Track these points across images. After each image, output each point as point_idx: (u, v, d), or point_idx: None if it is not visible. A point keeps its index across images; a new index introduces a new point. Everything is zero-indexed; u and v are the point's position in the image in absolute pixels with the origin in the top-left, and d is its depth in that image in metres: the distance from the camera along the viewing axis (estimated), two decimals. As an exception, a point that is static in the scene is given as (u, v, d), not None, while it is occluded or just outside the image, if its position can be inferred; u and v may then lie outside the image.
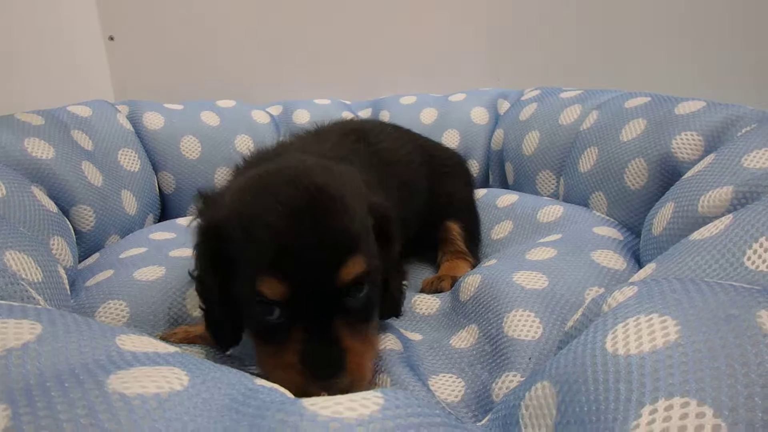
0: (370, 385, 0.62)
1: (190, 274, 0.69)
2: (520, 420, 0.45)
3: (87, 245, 1.02)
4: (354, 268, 0.57)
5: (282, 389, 0.41)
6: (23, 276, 0.66)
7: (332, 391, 0.50)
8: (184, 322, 0.81)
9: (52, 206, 0.92)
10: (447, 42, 1.73)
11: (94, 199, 1.03)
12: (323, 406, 0.35)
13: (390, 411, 0.36)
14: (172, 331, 0.76)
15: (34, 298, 0.60)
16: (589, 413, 0.38)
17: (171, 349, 0.44)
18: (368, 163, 0.85)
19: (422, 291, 0.94)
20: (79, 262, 0.98)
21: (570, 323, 0.59)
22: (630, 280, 0.62)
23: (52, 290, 0.73)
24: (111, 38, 1.70)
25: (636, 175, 0.91)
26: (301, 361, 0.56)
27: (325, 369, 0.56)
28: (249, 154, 0.89)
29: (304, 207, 0.57)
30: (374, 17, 1.71)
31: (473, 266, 0.99)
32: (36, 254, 0.74)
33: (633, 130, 0.95)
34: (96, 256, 1.00)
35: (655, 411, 0.33)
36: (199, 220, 0.67)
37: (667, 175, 0.86)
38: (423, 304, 0.89)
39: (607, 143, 0.99)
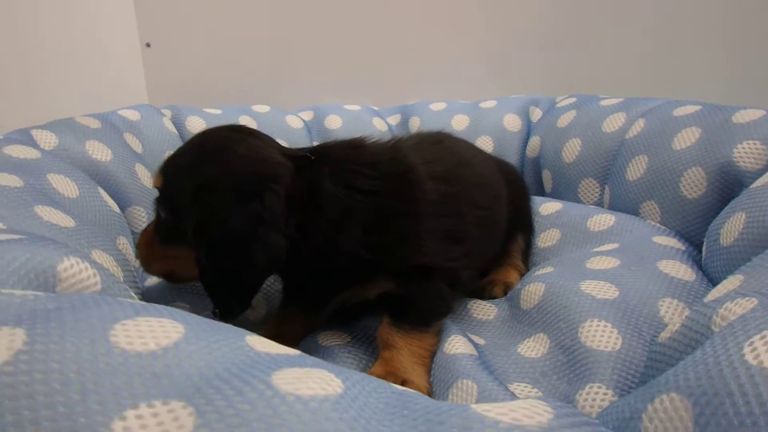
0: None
1: None
2: (643, 432, 0.44)
3: None
4: (157, 179, 0.74)
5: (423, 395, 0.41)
6: (116, 276, 0.67)
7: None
8: (242, 325, 0.80)
9: (115, 207, 0.95)
10: (474, 49, 1.73)
11: (147, 201, 1.06)
12: (500, 412, 0.34)
13: (564, 419, 0.36)
14: None
15: (133, 297, 0.59)
16: (741, 427, 0.37)
17: (294, 351, 0.43)
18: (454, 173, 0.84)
19: (474, 296, 0.93)
20: None
21: (666, 335, 0.59)
22: (722, 291, 0.62)
23: (132, 288, 0.74)
24: (148, 45, 1.73)
25: (693, 184, 0.90)
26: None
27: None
28: None
29: (201, 143, 0.76)
30: (401, 24, 1.72)
31: (521, 274, 0.98)
32: (114, 253, 0.77)
33: (687, 138, 0.95)
34: None
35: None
36: None
37: (728, 184, 0.86)
38: (479, 309, 0.89)
39: (658, 152, 0.99)
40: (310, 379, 0.35)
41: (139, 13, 1.70)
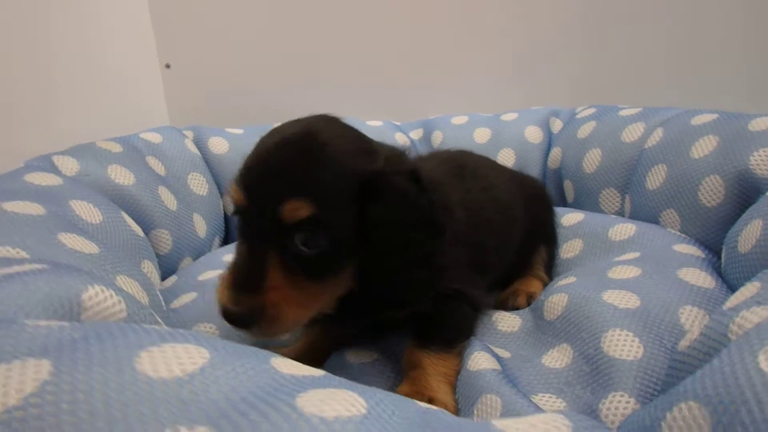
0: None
1: None
2: (663, 440, 0.46)
3: (164, 268, 1.05)
4: (296, 209, 0.59)
5: (448, 412, 0.42)
6: (142, 302, 0.68)
7: (238, 310, 0.58)
8: (271, 343, 0.82)
9: (139, 231, 0.95)
10: (494, 63, 1.75)
11: (170, 223, 1.07)
12: (520, 428, 0.36)
13: None
14: None
15: (159, 322, 0.62)
16: (757, 434, 0.39)
17: (318, 372, 0.44)
18: (468, 190, 0.87)
19: (498, 307, 0.95)
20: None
21: (685, 343, 0.60)
22: (740, 298, 0.63)
23: (157, 313, 0.73)
24: (168, 66, 1.75)
25: (711, 192, 0.92)
26: (231, 272, 0.62)
27: (240, 283, 0.60)
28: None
29: (280, 145, 0.63)
30: (423, 39, 1.75)
31: (545, 284, 1.00)
32: (140, 278, 0.76)
33: (704, 146, 0.96)
34: (173, 278, 1.02)
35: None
36: None
37: (746, 192, 0.87)
38: (504, 321, 0.90)
39: (677, 160, 1.00)
40: (334, 401, 0.36)
41: (158, 33, 1.71)
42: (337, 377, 0.43)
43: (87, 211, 0.84)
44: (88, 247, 0.72)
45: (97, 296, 0.49)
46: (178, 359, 0.37)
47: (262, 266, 0.60)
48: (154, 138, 1.22)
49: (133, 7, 1.64)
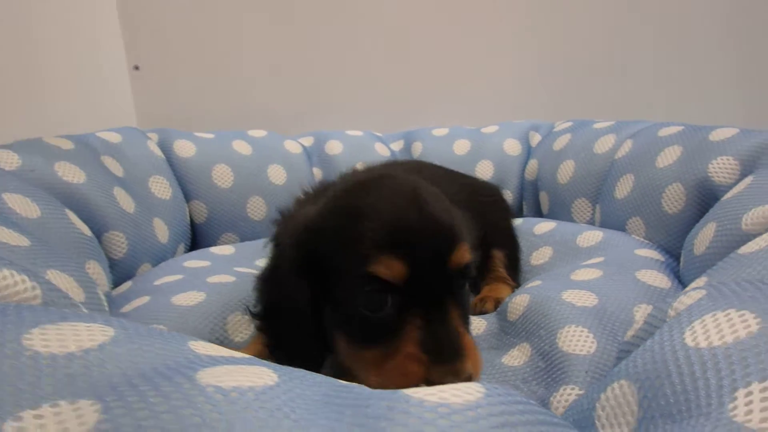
0: None
1: (264, 298, 0.68)
2: (596, 422, 0.47)
3: (119, 273, 1.00)
4: (465, 253, 0.57)
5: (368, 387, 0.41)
6: (69, 294, 0.65)
7: (459, 378, 0.51)
8: (226, 347, 0.81)
9: (86, 230, 0.91)
10: (478, 75, 1.78)
11: (127, 226, 1.02)
12: (428, 393, 0.35)
13: (494, 398, 0.36)
14: None
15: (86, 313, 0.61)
16: (677, 404, 0.39)
17: (245, 355, 0.44)
18: None
19: None
20: (112, 290, 0.97)
21: (631, 332, 0.61)
22: (688, 289, 0.65)
23: (95, 310, 0.72)
24: (136, 68, 1.70)
25: (673, 199, 0.94)
26: (422, 349, 0.53)
27: (449, 353, 0.53)
28: (307, 189, 0.91)
29: (413, 195, 0.59)
30: (405, 49, 1.77)
31: (514, 289, 1.01)
32: (76, 275, 0.73)
33: (669, 156, 0.98)
34: (128, 284, 0.98)
35: (750, 393, 0.35)
36: (281, 236, 0.67)
37: (705, 198, 0.89)
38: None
39: (644, 170, 1.02)
40: (241, 374, 0.35)
41: (126, 34, 1.67)
42: (262, 360, 0.42)
43: (22, 205, 0.80)
44: (18, 239, 0.69)
45: (6, 279, 0.49)
46: (76, 337, 0.37)
47: (449, 328, 0.55)
48: (113, 138, 1.17)
49: (100, 7, 1.61)
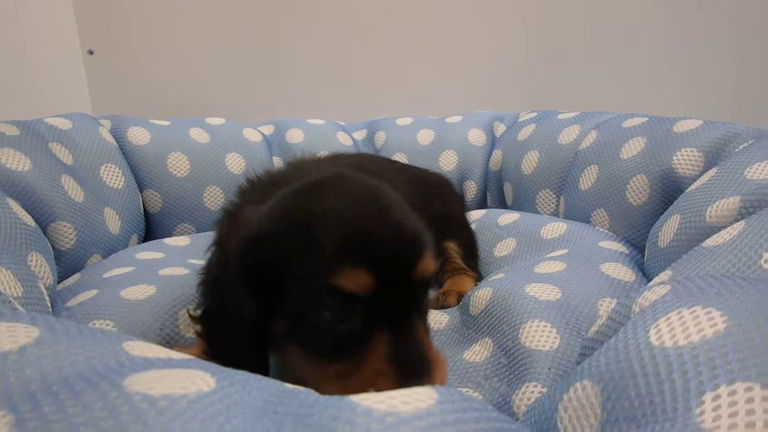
0: None
1: (205, 303, 0.63)
2: (559, 423, 0.44)
3: (66, 265, 0.96)
4: (430, 263, 0.54)
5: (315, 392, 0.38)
6: (1, 289, 0.61)
7: None
8: (177, 343, 0.77)
9: (29, 220, 0.86)
10: (443, 65, 1.76)
11: (75, 216, 0.97)
12: (376, 400, 0.33)
13: (447, 405, 0.34)
14: None
15: (18, 310, 0.56)
16: (641, 407, 0.37)
17: (185, 356, 0.41)
18: None
19: (431, 307, 0.93)
20: (58, 283, 0.92)
21: (594, 328, 0.59)
22: (652, 284, 0.63)
23: (33, 306, 0.68)
24: (90, 52, 1.64)
25: (637, 191, 0.93)
26: (391, 364, 0.50)
27: (418, 369, 0.51)
28: (252, 177, 0.85)
29: (375, 200, 0.55)
30: (370, 37, 1.74)
31: (476, 281, 0.99)
32: (14, 268, 0.69)
33: (633, 148, 0.97)
34: (76, 276, 0.94)
35: (718, 397, 0.33)
36: (225, 239, 0.61)
37: (669, 190, 0.88)
38: (432, 319, 0.88)
39: (608, 161, 1.01)
40: (173, 380, 0.32)
41: (80, 18, 1.61)
42: (201, 361, 0.39)
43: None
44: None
45: None
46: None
47: (416, 341, 0.53)
48: (62, 124, 1.11)
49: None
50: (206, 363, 0.38)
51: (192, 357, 0.40)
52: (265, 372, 0.59)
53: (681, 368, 0.37)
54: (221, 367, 0.37)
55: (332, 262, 0.50)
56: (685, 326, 0.40)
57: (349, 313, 0.52)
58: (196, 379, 0.33)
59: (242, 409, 0.32)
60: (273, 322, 0.56)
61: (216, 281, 0.60)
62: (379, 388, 0.46)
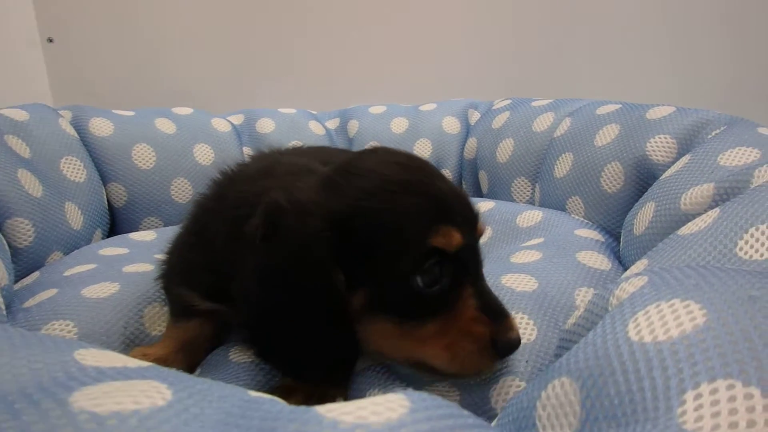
0: None
1: (261, 305, 0.59)
2: (537, 422, 0.43)
3: (25, 263, 0.93)
4: (483, 221, 0.63)
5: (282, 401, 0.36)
6: None
7: (516, 333, 0.58)
8: (143, 342, 0.75)
9: None
10: (417, 52, 1.74)
11: (33, 212, 0.94)
12: (343, 412, 0.31)
13: (420, 413, 0.32)
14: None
15: None
16: (621, 406, 0.36)
17: (142, 363, 0.38)
18: None
19: None
20: (16, 281, 0.90)
21: (572, 320, 0.59)
22: (628, 274, 0.63)
23: None
24: (50, 40, 1.59)
25: (612, 178, 0.92)
26: (483, 312, 0.57)
27: (501, 312, 0.58)
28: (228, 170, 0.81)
29: (432, 170, 0.62)
30: (342, 25, 1.71)
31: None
32: None
33: (607, 135, 0.97)
34: (36, 274, 0.91)
35: (699, 396, 0.32)
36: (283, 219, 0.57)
37: (643, 177, 0.88)
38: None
39: (582, 149, 1.01)
40: (125, 394, 0.31)
41: (39, 5, 1.56)
42: (160, 369, 0.37)
43: None
44: None
45: None
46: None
47: (489, 290, 0.61)
48: (19, 115, 1.07)
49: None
50: (165, 371, 0.37)
51: (150, 365, 0.38)
52: (354, 356, 0.61)
53: (661, 365, 0.36)
54: (181, 376, 0.36)
55: (430, 224, 0.55)
56: (663, 320, 0.39)
57: (442, 272, 0.56)
58: (150, 392, 0.31)
59: (201, 424, 0.30)
60: (354, 296, 0.57)
61: (281, 271, 0.56)
62: (478, 333, 0.56)
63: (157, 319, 0.78)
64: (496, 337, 0.56)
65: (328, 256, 0.55)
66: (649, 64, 1.71)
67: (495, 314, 0.58)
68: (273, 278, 0.57)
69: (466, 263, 0.58)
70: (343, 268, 0.56)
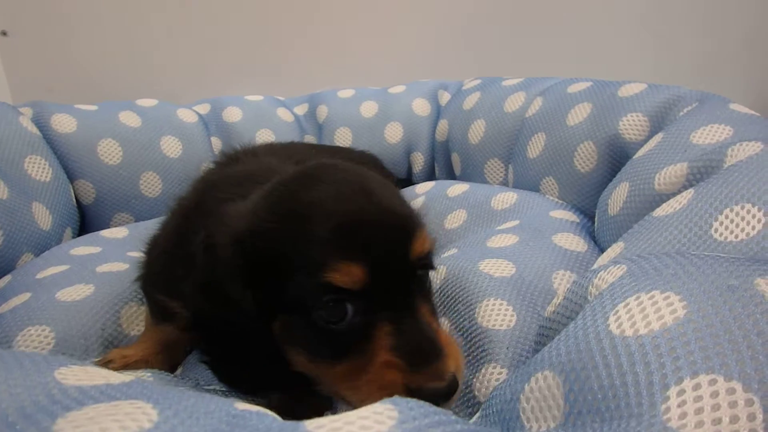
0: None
1: (200, 312, 0.57)
2: (521, 414, 0.43)
3: None
4: (425, 240, 0.53)
5: (272, 413, 0.36)
6: None
7: (444, 383, 0.48)
8: (121, 343, 0.75)
9: None
10: (383, 34, 1.71)
11: (0, 215, 0.93)
12: (333, 428, 0.30)
13: (408, 424, 0.32)
14: (106, 359, 0.68)
15: None
16: (605, 400, 0.36)
17: (125, 378, 0.38)
18: None
19: None
20: None
21: (551, 308, 0.59)
22: (605, 259, 0.63)
23: None
24: (4, 33, 1.53)
25: (585, 158, 0.92)
26: (397, 354, 0.48)
27: (427, 355, 0.49)
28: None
29: (362, 188, 0.53)
30: (308, 5, 1.66)
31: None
32: None
33: (579, 114, 0.97)
34: (7, 278, 0.90)
35: (683, 392, 0.32)
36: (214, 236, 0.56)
37: (616, 156, 0.88)
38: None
39: (554, 128, 1.00)
40: (110, 417, 0.30)
41: None
42: (143, 385, 0.37)
43: None
44: None
45: None
46: None
47: (422, 326, 0.51)
48: None
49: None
50: (149, 387, 0.36)
51: (133, 379, 0.37)
52: (286, 374, 0.56)
53: (643, 360, 0.36)
54: (165, 392, 0.35)
55: (324, 258, 0.49)
56: (644, 313, 0.39)
57: (346, 309, 0.50)
58: (136, 415, 0.30)
59: None
60: (274, 321, 0.53)
61: (206, 285, 0.55)
62: (388, 383, 0.47)
63: (134, 319, 0.78)
64: (413, 386, 0.47)
65: (233, 275, 0.52)
66: (619, 39, 1.71)
67: (418, 357, 0.49)
68: (202, 289, 0.56)
69: (386, 297, 0.50)
70: (256, 289, 0.52)
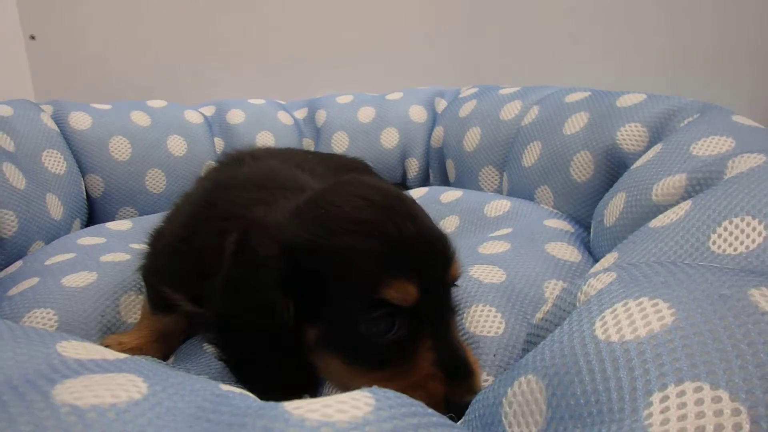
0: None
1: (225, 313, 0.58)
2: (503, 419, 0.42)
3: (8, 253, 0.97)
4: (459, 264, 0.58)
5: (253, 396, 0.37)
6: None
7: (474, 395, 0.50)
8: (118, 329, 0.78)
9: None
10: (383, 41, 1.72)
11: (17, 203, 0.99)
12: (310, 409, 0.31)
13: (384, 411, 0.32)
14: (102, 344, 0.70)
15: None
16: (587, 406, 0.35)
17: (120, 355, 0.40)
18: None
19: None
20: (0, 270, 0.95)
21: (540, 315, 0.57)
22: (597, 268, 0.61)
23: None
24: (32, 37, 1.62)
25: (582, 167, 0.91)
26: (440, 369, 0.53)
27: (464, 371, 0.54)
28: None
29: (406, 209, 0.56)
30: (310, 15, 1.69)
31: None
32: None
33: (576, 123, 0.96)
34: (18, 263, 0.94)
35: (666, 398, 0.31)
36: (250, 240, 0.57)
37: (613, 166, 0.87)
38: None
39: (551, 137, 0.99)
40: (104, 386, 0.31)
41: (21, 2, 1.58)
42: (136, 361, 0.39)
43: None
44: None
45: None
46: None
47: (457, 344, 0.56)
48: (4, 111, 1.12)
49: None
50: (142, 363, 0.38)
51: (127, 357, 0.39)
52: (304, 375, 0.58)
53: (627, 365, 0.34)
54: (156, 368, 0.37)
55: (379, 275, 0.51)
56: (631, 319, 0.38)
57: (394, 324, 0.53)
58: (127, 386, 0.32)
59: (174, 417, 0.31)
60: (308, 328, 0.55)
61: (239, 286, 0.56)
62: (433, 392, 0.52)
63: (133, 308, 0.82)
64: (451, 398, 0.52)
65: (274, 282, 0.54)
66: (616, 48, 1.72)
67: (455, 371, 0.54)
68: (232, 291, 0.56)
69: (429, 314, 0.54)
70: (297, 298, 0.54)
